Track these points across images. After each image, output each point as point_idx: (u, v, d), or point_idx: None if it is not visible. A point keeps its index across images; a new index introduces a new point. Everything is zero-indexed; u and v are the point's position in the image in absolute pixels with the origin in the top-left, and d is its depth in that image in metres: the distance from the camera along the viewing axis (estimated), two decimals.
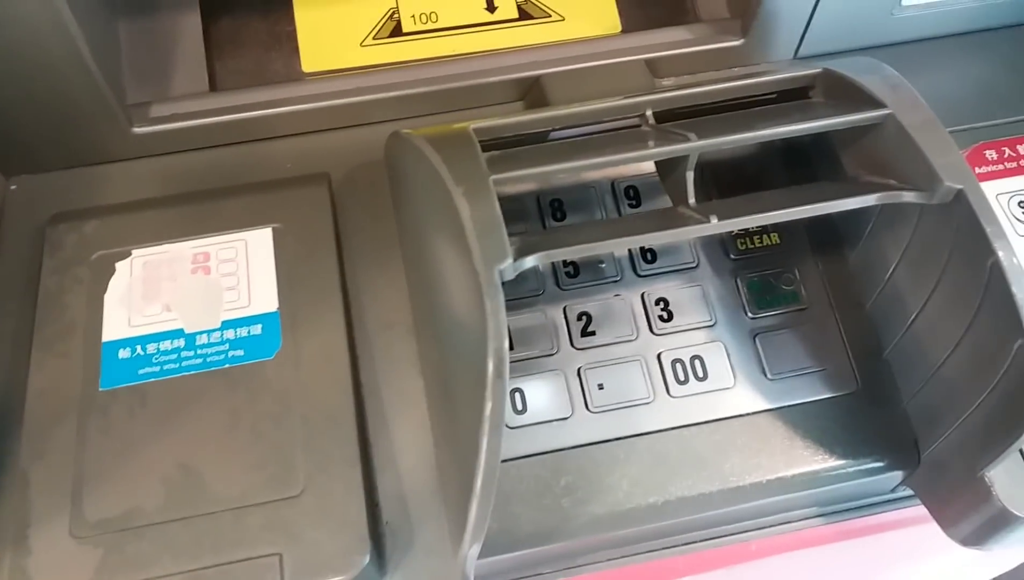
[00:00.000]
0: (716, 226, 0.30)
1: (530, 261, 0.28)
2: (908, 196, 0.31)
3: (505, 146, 0.35)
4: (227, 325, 0.36)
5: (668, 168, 0.33)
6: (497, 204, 0.29)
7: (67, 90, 0.37)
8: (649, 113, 0.35)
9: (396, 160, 0.38)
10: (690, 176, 0.32)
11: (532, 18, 0.47)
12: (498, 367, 0.26)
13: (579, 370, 0.39)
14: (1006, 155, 0.44)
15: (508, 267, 0.27)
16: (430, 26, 0.47)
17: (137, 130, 0.40)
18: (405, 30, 0.48)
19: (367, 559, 0.31)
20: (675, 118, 0.36)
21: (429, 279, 0.35)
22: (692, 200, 0.32)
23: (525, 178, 0.30)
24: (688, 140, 0.31)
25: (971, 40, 0.47)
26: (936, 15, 0.45)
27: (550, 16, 0.48)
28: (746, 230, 0.42)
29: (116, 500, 0.32)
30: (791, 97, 0.38)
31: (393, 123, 0.44)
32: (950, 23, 0.46)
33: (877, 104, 0.33)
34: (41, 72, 0.36)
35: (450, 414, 0.32)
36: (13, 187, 0.41)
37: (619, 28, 0.47)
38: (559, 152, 0.32)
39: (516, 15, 0.47)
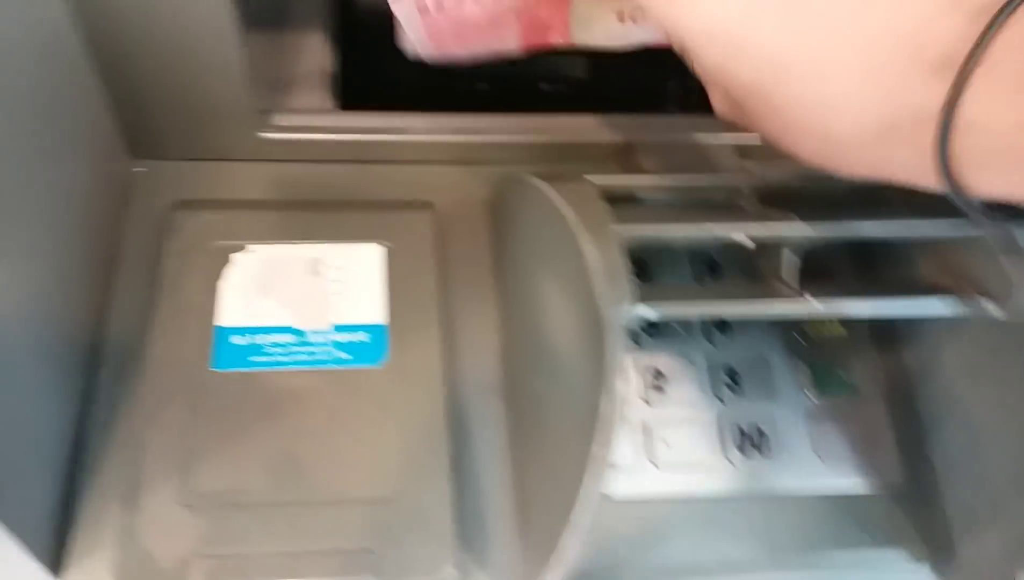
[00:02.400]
0: (809, 308, 0.34)
1: (649, 311, 0.31)
2: (987, 308, 0.34)
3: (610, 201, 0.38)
4: (337, 328, 0.39)
5: (766, 250, 0.36)
6: (620, 251, 0.32)
7: (212, 86, 0.40)
8: (750, 192, 0.39)
9: (510, 198, 0.41)
10: (787, 255, 0.35)
11: None
12: (612, 406, 0.29)
13: (647, 424, 0.42)
14: None
15: (630, 312, 0.30)
16: None
17: (262, 135, 0.43)
18: None
19: (451, 568, 0.33)
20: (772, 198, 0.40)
21: (533, 313, 0.37)
22: (792, 281, 0.35)
23: (644, 233, 0.33)
24: (794, 223, 0.34)
25: None
26: None
27: None
28: (812, 319, 0.45)
29: (222, 476, 0.34)
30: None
31: (496, 166, 0.47)
32: None
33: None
34: (192, 66, 0.39)
35: (546, 447, 0.34)
36: (140, 170, 0.44)
37: None
38: (675, 216, 0.35)
39: None
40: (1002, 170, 0.24)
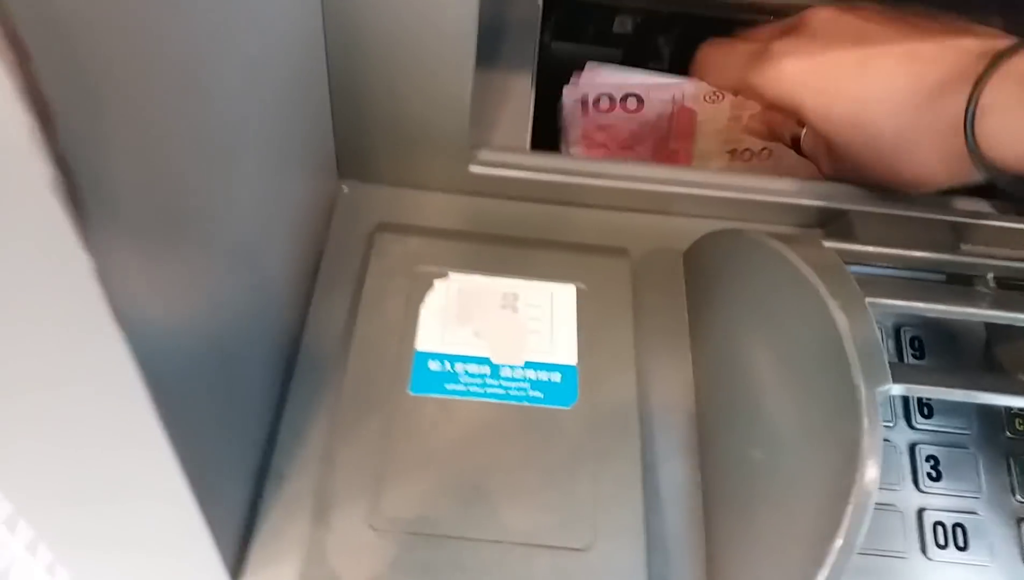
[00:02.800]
0: None
1: (900, 389, 0.29)
2: None
3: None
4: (529, 365, 0.38)
5: (1011, 336, 0.34)
6: (875, 325, 0.29)
7: (436, 119, 0.41)
8: (990, 277, 0.36)
9: (724, 255, 0.40)
10: None
11: None
12: (864, 498, 0.26)
13: None
14: None
15: (887, 390, 0.28)
16: None
17: (473, 169, 0.43)
18: None
19: None
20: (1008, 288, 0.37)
21: (748, 379, 0.35)
22: None
23: (897, 309, 0.31)
24: None
25: None
26: None
27: None
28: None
29: (413, 503, 0.33)
30: None
31: (688, 218, 0.46)
32: None
33: None
34: (423, 98, 0.40)
35: (761, 522, 0.32)
36: (345, 189, 0.45)
37: None
38: (919, 293, 0.33)
39: None
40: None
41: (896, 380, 0.29)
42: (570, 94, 0.50)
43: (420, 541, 0.32)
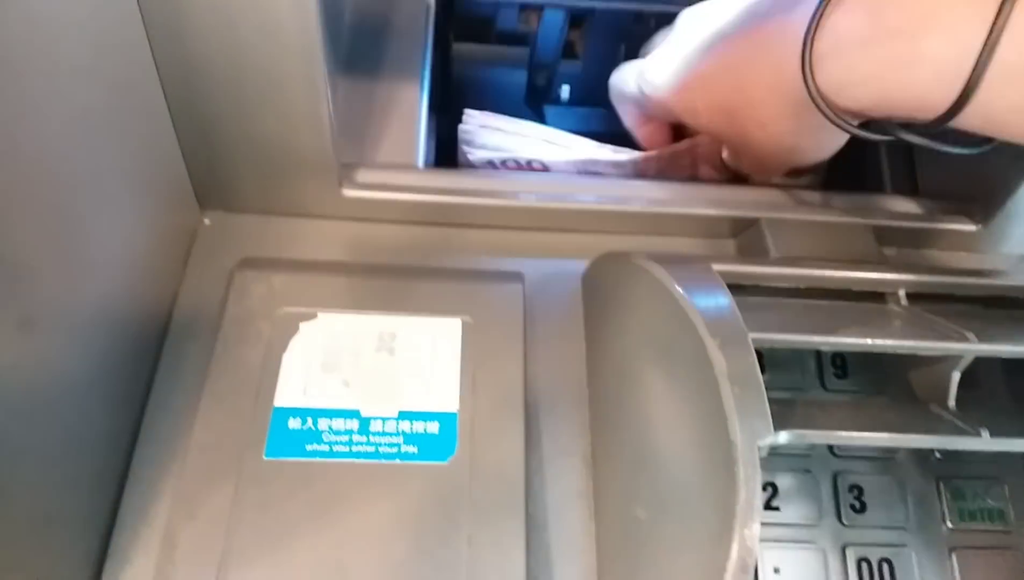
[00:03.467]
0: (986, 444, 0.27)
1: (784, 437, 0.25)
2: None
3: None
4: (404, 415, 0.34)
5: (926, 362, 0.30)
6: (757, 367, 0.26)
7: (293, 139, 0.36)
8: (902, 294, 0.32)
9: (612, 277, 0.36)
10: (956, 377, 0.29)
11: None
12: (743, 560, 0.23)
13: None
14: None
15: (768, 442, 0.24)
16: None
17: (345, 193, 0.39)
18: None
19: None
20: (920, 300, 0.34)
21: (637, 422, 0.32)
22: (952, 404, 0.29)
23: (786, 344, 0.27)
24: (967, 340, 0.28)
25: None
26: None
27: None
28: None
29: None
30: None
31: (595, 235, 0.42)
32: None
33: None
34: (273, 116, 0.35)
35: (650, 573, 0.29)
36: (207, 221, 0.40)
37: None
38: (815, 320, 0.29)
39: None
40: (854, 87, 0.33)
41: (781, 426, 0.25)
42: (473, 158, 0.46)
43: None
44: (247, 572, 0.30)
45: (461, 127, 0.46)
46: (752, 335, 0.27)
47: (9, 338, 0.24)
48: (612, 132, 0.50)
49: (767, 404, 0.25)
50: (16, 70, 0.24)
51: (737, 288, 0.32)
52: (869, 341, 0.28)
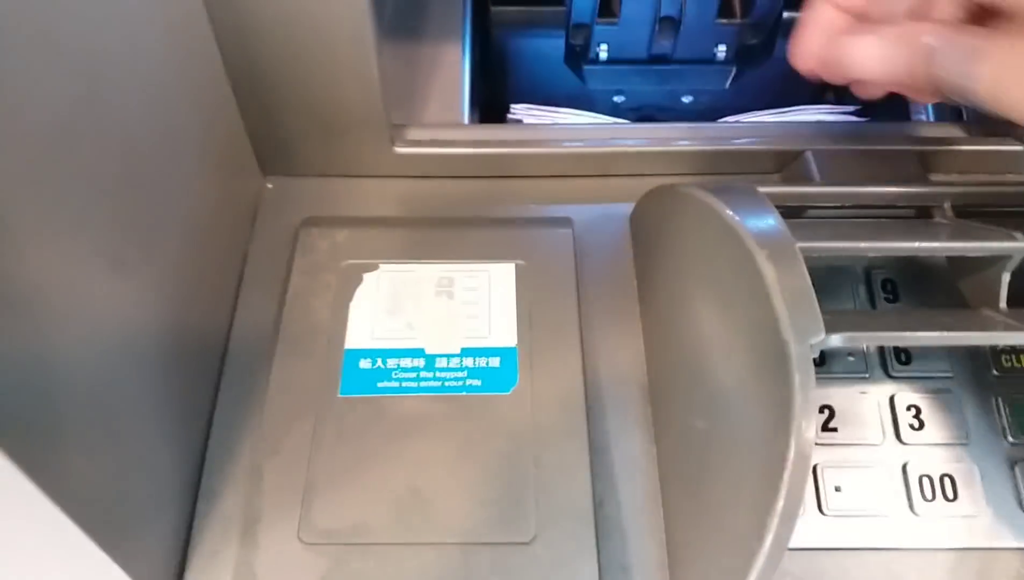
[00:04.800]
0: None
1: (837, 340, 0.26)
2: None
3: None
4: (466, 352, 0.35)
5: (974, 267, 0.31)
6: (807, 273, 0.27)
7: (346, 100, 0.38)
8: (948, 206, 0.33)
9: (660, 210, 0.37)
10: (1006, 278, 0.29)
11: None
12: (801, 454, 0.24)
13: (816, 467, 0.36)
14: None
15: (820, 342, 0.25)
16: None
17: (398, 150, 0.41)
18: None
19: None
20: (967, 215, 0.34)
21: (691, 341, 0.33)
22: (1004, 305, 0.29)
23: (833, 252, 0.28)
24: (1015, 240, 0.28)
25: None
26: None
27: None
28: (1012, 347, 0.39)
29: (346, 511, 0.31)
30: None
31: (639, 178, 0.43)
32: None
33: None
34: (327, 79, 0.37)
35: (709, 493, 0.30)
36: (270, 185, 0.43)
37: None
38: (862, 232, 0.30)
39: None
40: None
41: (832, 330, 0.26)
42: None
43: (352, 551, 0.31)
44: (330, 498, 0.32)
45: (509, 117, 0.47)
46: (799, 245, 0.28)
47: (104, 278, 0.26)
48: (649, 92, 0.50)
49: (817, 306, 0.26)
50: (98, 50, 0.26)
51: (783, 211, 0.33)
52: (916, 244, 0.28)
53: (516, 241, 0.39)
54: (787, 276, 0.27)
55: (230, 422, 0.34)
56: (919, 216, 0.34)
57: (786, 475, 0.24)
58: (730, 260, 0.29)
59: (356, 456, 0.33)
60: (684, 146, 0.42)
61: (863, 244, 0.28)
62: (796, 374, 0.25)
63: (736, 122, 0.44)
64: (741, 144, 0.42)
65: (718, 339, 0.30)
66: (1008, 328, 0.27)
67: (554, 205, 0.42)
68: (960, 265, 0.32)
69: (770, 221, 0.29)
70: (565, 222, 0.41)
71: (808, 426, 0.24)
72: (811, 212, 0.38)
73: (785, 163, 0.42)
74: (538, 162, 0.42)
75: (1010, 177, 0.34)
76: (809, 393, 0.24)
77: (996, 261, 0.30)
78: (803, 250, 0.28)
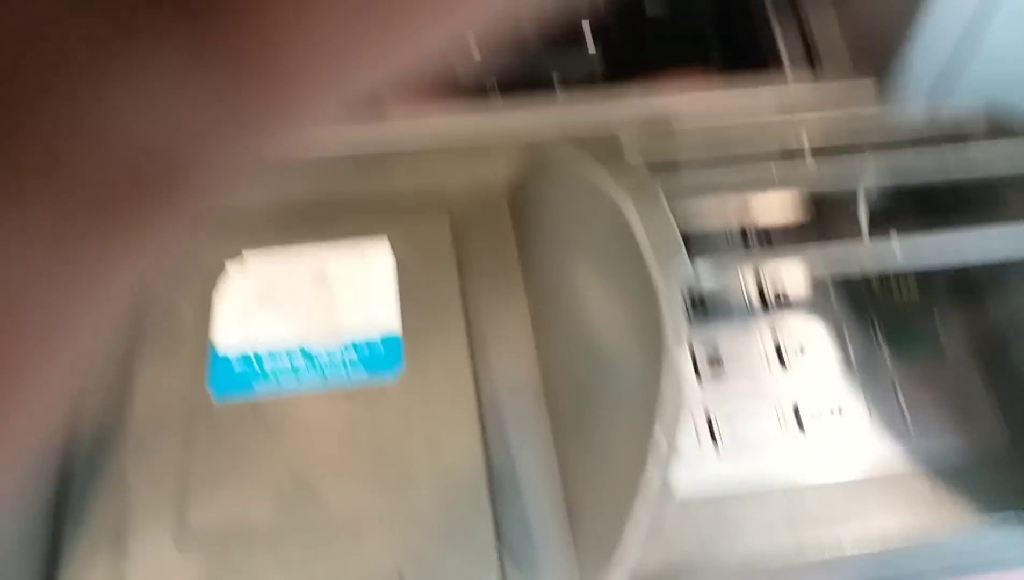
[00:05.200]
0: (897, 258, 0.28)
1: (710, 271, 0.26)
2: None
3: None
4: (347, 341, 0.34)
5: (834, 200, 0.31)
6: (669, 211, 0.27)
7: None
8: (804, 139, 0.33)
9: (536, 177, 0.37)
10: (863, 204, 0.30)
11: None
12: (676, 386, 0.24)
13: (706, 407, 0.36)
14: None
15: (687, 272, 0.25)
16: None
17: None
18: None
19: None
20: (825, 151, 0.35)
21: (565, 297, 0.32)
22: (866, 229, 0.30)
23: (696, 188, 0.28)
24: (865, 165, 0.29)
25: None
26: None
27: None
28: (885, 273, 0.40)
29: (224, 509, 0.29)
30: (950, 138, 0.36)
31: (516, 149, 0.43)
32: None
33: None
34: None
35: (597, 440, 0.29)
36: None
37: None
38: (729, 172, 0.30)
39: None
40: None
41: (697, 260, 0.26)
42: None
43: (233, 547, 0.29)
44: (207, 498, 0.30)
45: None
46: (660, 183, 0.28)
47: None
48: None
49: (679, 239, 0.26)
50: None
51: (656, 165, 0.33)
52: (773, 172, 0.29)
53: (391, 219, 0.38)
54: (650, 215, 0.26)
55: (91, 434, 0.32)
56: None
57: (662, 406, 0.23)
58: (598, 211, 0.29)
59: (234, 456, 0.31)
60: (558, 114, 0.42)
61: (724, 178, 0.28)
62: (665, 308, 0.24)
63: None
64: (612, 108, 0.42)
65: (595, 288, 0.30)
66: (871, 251, 0.28)
67: (431, 180, 0.41)
68: (823, 201, 0.32)
69: (633, 169, 0.29)
70: (442, 195, 0.40)
71: (679, 355, 0.24)
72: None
73: (656, 129, 0.43)
74: (412, 137, 0.41)
75: (865, 110, 0.35)
76: (679, 321, 0.24)
77: (853, 190, 0.30)
78: (666, 190, 0.28)
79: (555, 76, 0.58)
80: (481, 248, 0.39)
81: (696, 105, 0.41)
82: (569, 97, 0.43)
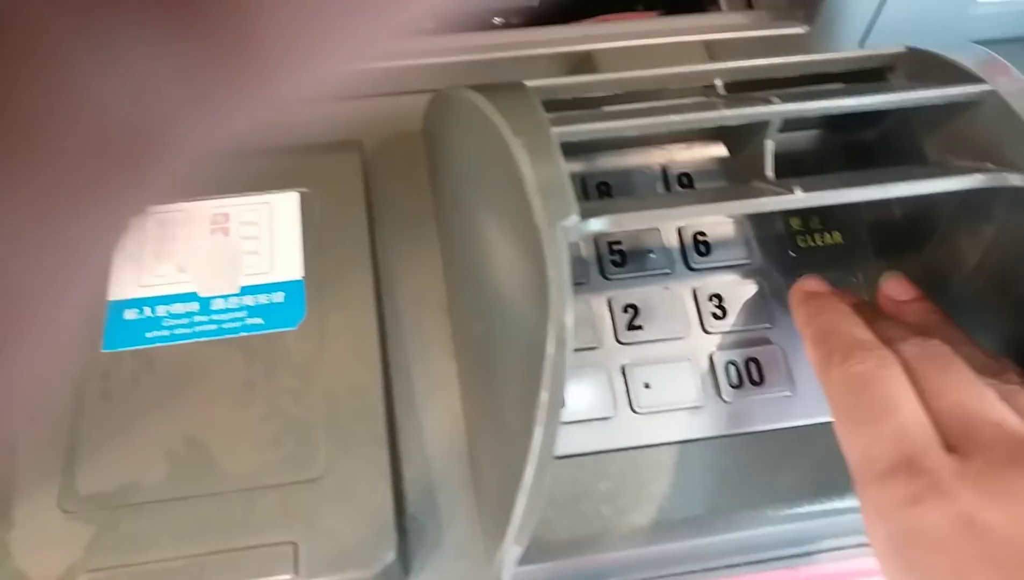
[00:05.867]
0: (800, 199, 0.27)
1: (597, 223, 0.25)
2: (1015, 179, 0.28)
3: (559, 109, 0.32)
4: (246, 290, 0.33)
5: (742, 140, 0.30)
6: (562, 158, 0.26)
7: None
8: (719, 83, 0.32)
9: (439, 119, 0.35)
10: (770, 145, 0.29)
11: None
12: (559, 341, 0.23)
13: (624, 367, 0.36)
14: None
15: (574, 226, 0.24)
16: None
17: None
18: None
19: (392, 554, 0.27)
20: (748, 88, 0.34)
21: (472, 249, 0.31)
22: (771, 173, 0.29)
23: (591, 134, 0.27)
24: (771, 104, 0.28)
25: None
26: (1016, 14, 0.43)
27: None
28: (807, 226, 0.39)
29: (113, 473, 0.29)
30: (867, 78, 0.35)
31: (431, 94, 0.41)
32: None
33: (976, 80, 0.30)
34: None
35: (493, 399, 0.29)
36: None
37: None
38: (628, 114, 0.29)
39: None
40: None
41: (590, 214, 0.25)
42: None
43: (124, 513, 0.28)
44: (95, 461, 0.29)
45: None
46: (554, 130, 0.26)
47: None
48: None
49: (570, 190, 0.25)
50: None
51: (567, 106, 0.31)
52: (675, 117, 0.28)
53: (299, 169, 0.37)
54: (541, 163, 0.25)
55: None
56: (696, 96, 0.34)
57: (547, 365, 0.23)
58: (494, 156, 0.28)
59: (124, 414, 0.30)
60: (472, 56, 0.40)
61: (621, 123, 0.27)
62: (549, 262, 0.23)
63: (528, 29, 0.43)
64: (528, 50, 0.40)
65: (492, 241, 0.29)
66: (772, 194, 0.27)
67: (342, 127, 0.40)
68: (732, 141, 0.32)
69: (530, 112, 0.28)
70: (353, 145, 0.38)
71: (565, 313, 0.23)
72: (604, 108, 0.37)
73: (575, 67, 0.41)
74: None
75: (788, 58, 0.34)
76: (564, 280, 0.23)
77: (759, 129, 0.29)
78: (561, 135, 0.27)
79: (496, 20, 0.57)
80: (396, 193, 0.38)
81: (617, 46, 0.40)
82: (487, 39, 0.42)
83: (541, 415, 0.23)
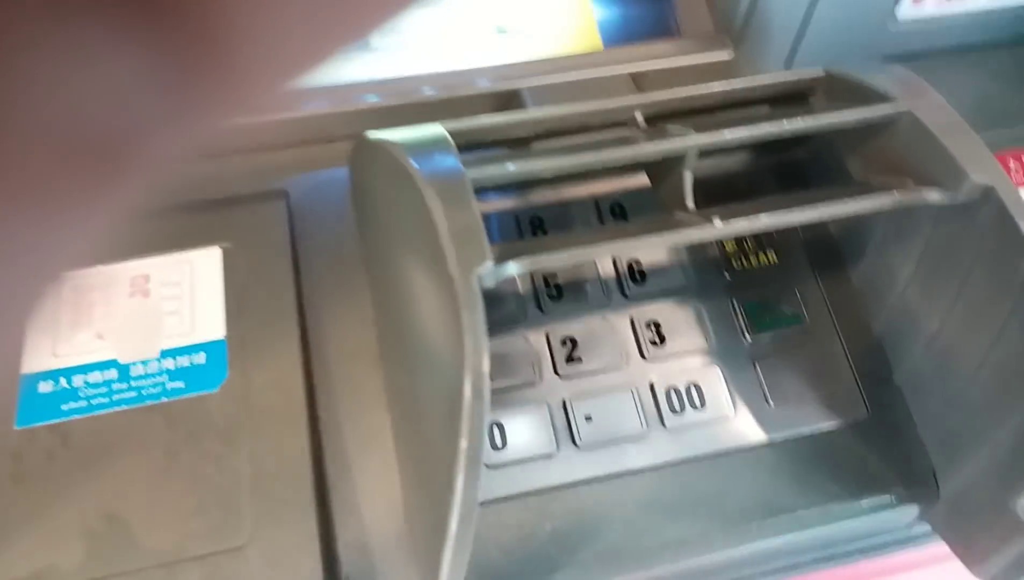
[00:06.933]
0: (718, 231, 0.27)
1: (513, 267, 0.25)
2: (932, 195, 0.28)
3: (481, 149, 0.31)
4: (166, 354, 0.32)
5: (662, 172, 0.30)
6: (475, 203, 0.25)
7: None
8: (639, 116, 0.32)
9: (361, 165, 0.35)
10: (688, 177, 0.29)
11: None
12: (476, 389, 0.22)
13: (564, 401, 0.35)
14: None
15: (488, 272, 0.24)
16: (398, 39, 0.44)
17: None
18: (373, 46, 0.45)
19: None
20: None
21: (397, 297, 0.31)
22: (691, 204, 0.29)
23: (506, 177, 0.27)
24: (685, 136, 0.28)
25: (972, 56, 0.45)
26: (935, 29, 0.43)
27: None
28: (742, 248, 0.39)
29: (25, 560, 0.27)
30: (790, 102, 0.35)
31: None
32: (950, 37, 0.44)
33: (890, 100, 0.30)
34: None
35: (420, 450, 0.28)
36: None
37: (600, 47, 0.45)
38: (544, 154, 0.29)
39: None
40: None
41: (504, 258, 0.24)
42: None
43: None
44: (6, 549, 0.27)
45: None
46: (470, 174, 0.26)
47: None
48: None
49: (483, 236, 0.24)
50: None
51: (480, 147, 0.31)
52: (590, 156, 0.27)
53: (222, 223, 0.36)
54: (454, 209, 0.25)
55: None
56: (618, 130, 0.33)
57: (465, 413, 0.22)
58: (410, 203, 0.27)
59: (38, 495, 0.28)
60: (397, 100, 0.40)
61: (536, 163, 0.27)
62: (463, 310, 0.23)
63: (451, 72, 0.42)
64: (457, 92, 0.40)
65: (414, 289, 0.28)
66: (690, 225, 0.27)
67: (267, 179, 0.39)
68: (654, 173, 0.31)
69: (444, 157, 0.27)
70: (278, 195, 0.37)
71: (481, 361, 0.22)
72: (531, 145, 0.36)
73: (503, 105, 0.41)
74: (244, 134, 0.39)
75: (706, 86, 0.34)
76: (479, 328, 0.23)
77: (678, 161, 0.29)
78: (475, 180, 0.26)
79: None
80: (325, 245, 0.37)
81: (544, 83, 0.40)
82: (413, 82, 0.41)
83: (461, 463, 0.22)
